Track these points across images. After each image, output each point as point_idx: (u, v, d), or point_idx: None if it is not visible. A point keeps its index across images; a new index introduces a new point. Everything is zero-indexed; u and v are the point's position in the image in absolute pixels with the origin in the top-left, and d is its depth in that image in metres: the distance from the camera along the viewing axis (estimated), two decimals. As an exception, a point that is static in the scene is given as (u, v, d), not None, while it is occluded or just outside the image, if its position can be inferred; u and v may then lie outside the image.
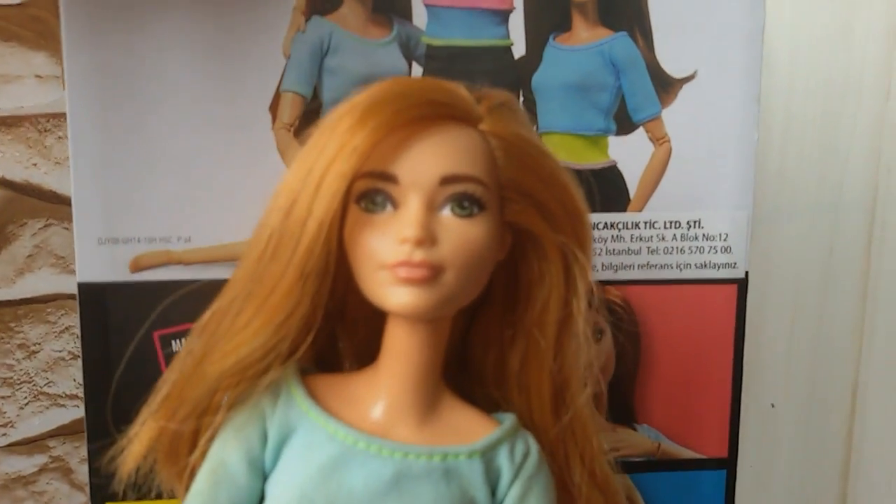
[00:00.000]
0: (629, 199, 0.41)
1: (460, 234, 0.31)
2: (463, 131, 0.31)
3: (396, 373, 0.33)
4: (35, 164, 0.61)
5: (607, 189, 0.41)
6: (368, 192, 0.31)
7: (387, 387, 0.33)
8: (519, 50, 0.40)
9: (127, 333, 0.39)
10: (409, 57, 0.39)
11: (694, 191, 0.41)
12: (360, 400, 0.34)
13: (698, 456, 0.43)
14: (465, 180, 0.31)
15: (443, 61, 0.39)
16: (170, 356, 0.40)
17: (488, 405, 0.35)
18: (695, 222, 0.42)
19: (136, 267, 0.39)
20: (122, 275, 0.39)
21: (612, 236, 0.41)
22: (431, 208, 0.31)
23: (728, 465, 0.44)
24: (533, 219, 0.32)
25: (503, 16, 0.39)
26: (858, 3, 0.62)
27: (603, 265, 0.42)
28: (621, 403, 0.43)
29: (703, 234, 0.42)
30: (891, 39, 0.63)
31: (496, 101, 0.32)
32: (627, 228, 0.41)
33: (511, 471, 0.33)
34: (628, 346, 0.42)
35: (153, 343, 0.40)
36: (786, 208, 0.64)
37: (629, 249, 0.42)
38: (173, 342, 0.40)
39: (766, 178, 0.63)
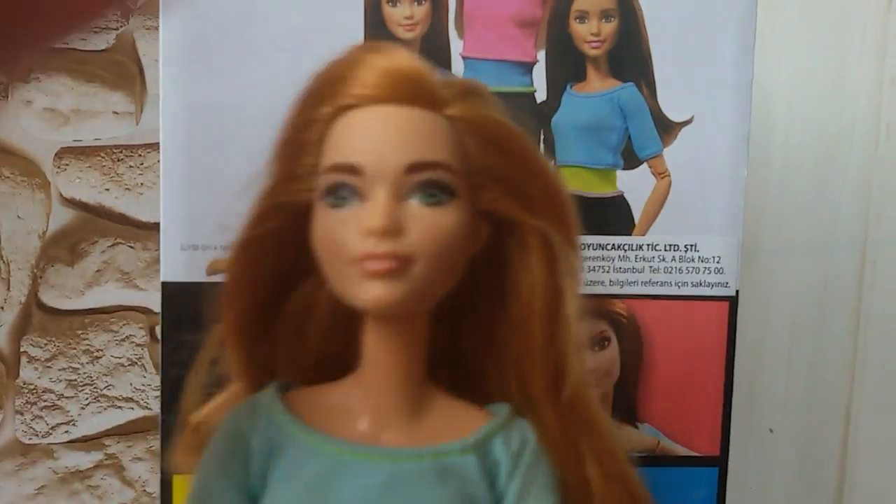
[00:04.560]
0: (634, 225, 0.48)
1: (429, 222, 0.29)
2: (428, 116, 0.29)
3: (378, 378, 0.32)
4: (108, 190, 0.69)
5: (615, 215, 0.48)
6: (333, 186, 0.29)
7: (370, 393, 0.32)
8: (541, 96, 0.47)
9: (200, 326, 0.46)
10: (448, 99, 0.46)
11: (690, 218, 0.48)
12: (344, 410, 0.32)
13: (693, 453, 0.49)
14: (433, 167, 0.29)
15: (476, 103, 0.46)
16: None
17: (486, 402, 0.34)
18: (691, 246, 0.48)
19: (212, 271, 0.46)
20: (199, 277, 0.46)
21: (619, 256, 0.48)
22: (398, 198, 0.29)
23: (720, 462, 0.49)
24: (510, 205, 0.31)
25: (528, 67, 0.46)
26: (849, 60, 0.69)
27: (610, 281, 0.48)
28: (625, 404, 0.48)
29: (699, 257, 0.48)
30: (878, 94, 0.69)
31: (463, 86, 0.31)
32: (632, 250, 0.48)
33: (508, 463, 0.31)
34: (632, 353, 0.48)
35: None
36: (783, 247, 0.70)
37: (633, 268, 0.48)
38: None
39: (765, 219, 0.69)
